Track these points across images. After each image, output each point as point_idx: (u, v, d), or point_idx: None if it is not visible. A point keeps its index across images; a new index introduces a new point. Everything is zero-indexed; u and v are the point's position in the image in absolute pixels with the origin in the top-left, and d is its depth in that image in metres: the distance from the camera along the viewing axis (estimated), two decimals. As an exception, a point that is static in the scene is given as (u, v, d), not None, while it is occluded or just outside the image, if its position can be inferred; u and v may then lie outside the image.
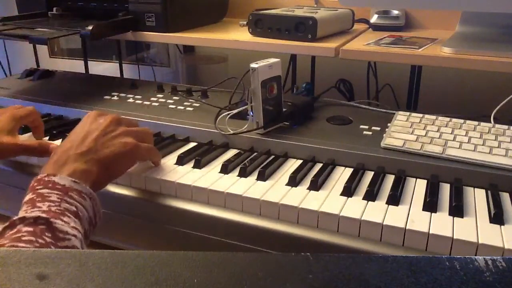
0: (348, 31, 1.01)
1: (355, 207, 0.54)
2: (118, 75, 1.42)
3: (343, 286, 0.23)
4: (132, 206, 0.64)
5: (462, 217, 0.53)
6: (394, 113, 0.76)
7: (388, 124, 0.73)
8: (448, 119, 0.72)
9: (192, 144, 0.74)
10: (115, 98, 0.91)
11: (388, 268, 0.24)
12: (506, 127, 0.69)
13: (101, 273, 0.24)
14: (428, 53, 0.79)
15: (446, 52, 0.79)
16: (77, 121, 0.68)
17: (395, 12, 1.04)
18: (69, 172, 0.51)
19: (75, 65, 1.53)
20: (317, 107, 0.84)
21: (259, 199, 0.57)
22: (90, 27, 0.90)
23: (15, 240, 0.42)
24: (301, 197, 0.57)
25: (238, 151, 0.70)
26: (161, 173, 0.63)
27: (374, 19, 1.03)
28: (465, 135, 0.67)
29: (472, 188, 0.60)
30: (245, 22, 0.98)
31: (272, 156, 0.68)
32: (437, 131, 0.69)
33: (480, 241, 0.48)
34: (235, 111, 0.72)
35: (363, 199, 0.57)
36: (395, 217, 0.52)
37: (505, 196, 0.58)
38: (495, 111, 0.74)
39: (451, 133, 0.68)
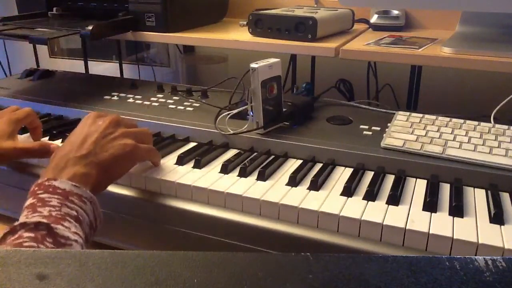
0: (348, 31, 1.01)
1: (355, 207, 0.54)
2: (118, 75, 1.42)
3: (343, 286, 0.23)
4: (132, 206, 0.64)
5: (462, 217, 0.52)
6: (394, 113, 0.76)
7: (388, 124, 0.73)
8: (448, 119, 0.72)
9: (192, 144, 0.74)
10: (115, 98, 0.91)
11: (388, 268, 0.24)
12: (506, 127, 0.69)
13: (101, 273, 0.24)
14: (428, 53, 0.79)
15: (446, 52, 0.79)
16: (77, 121, 0.68)
17: (395, 12, 1.04)
18: (69, 176, 0.51)
19: (75, 65, 1.53)
20: (317, 107, 0.84)
21: (259, 199, 0.57)
22: (90, 27, 0.90)
23: (16, 246, 0.42)
24: (301, 197, 0.57)
25: (238, 151, 0.70)
26: (161, 173, 0.63)
27: (374, 19, 1.03)
28: (465, 135, 0.67)
29: (472, 188, 0.60)
30: (245, 22, 0.98)
31: (272, 156, 0.68)
32: (437, 131, 0.69)
33: (480, 241, 0.48)
34: (235, 111, 0.72)
35: (363, 199, 0.57)
36: (395, 217, 0.52)
37: (505, 196, 0.58)
38: (495, 111, 0.74)
39: (451, 133, 0.68)
